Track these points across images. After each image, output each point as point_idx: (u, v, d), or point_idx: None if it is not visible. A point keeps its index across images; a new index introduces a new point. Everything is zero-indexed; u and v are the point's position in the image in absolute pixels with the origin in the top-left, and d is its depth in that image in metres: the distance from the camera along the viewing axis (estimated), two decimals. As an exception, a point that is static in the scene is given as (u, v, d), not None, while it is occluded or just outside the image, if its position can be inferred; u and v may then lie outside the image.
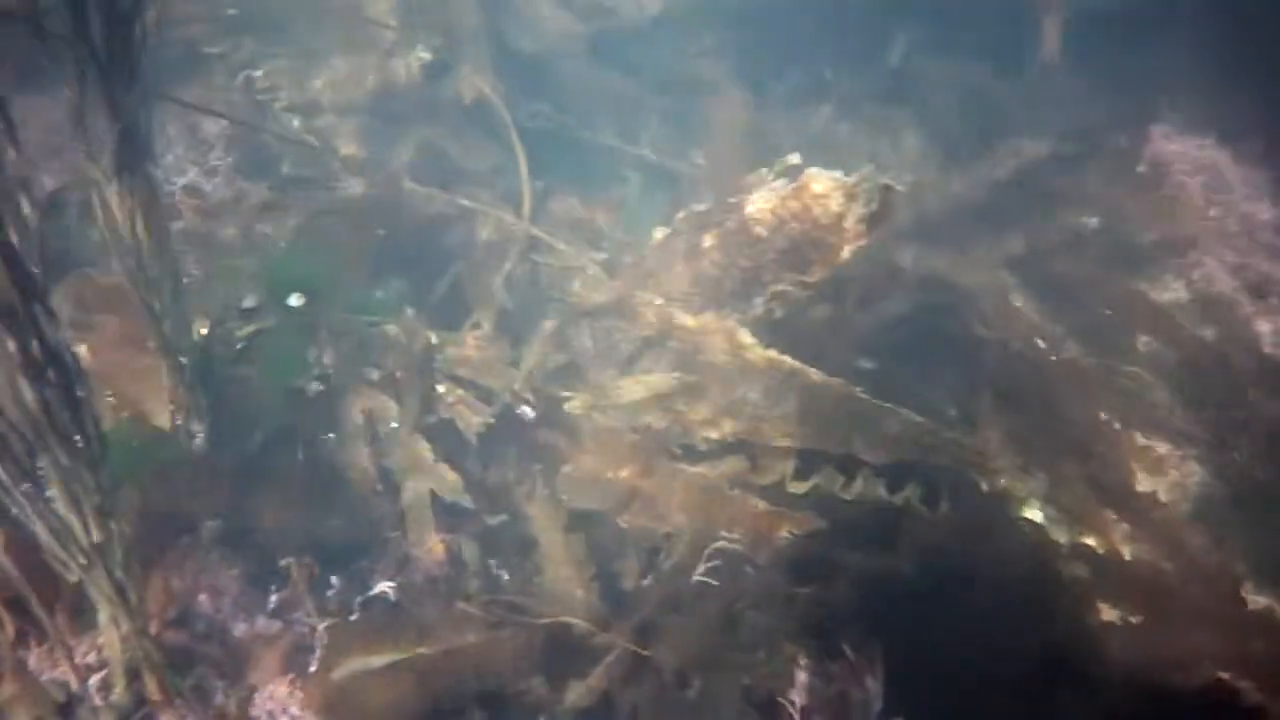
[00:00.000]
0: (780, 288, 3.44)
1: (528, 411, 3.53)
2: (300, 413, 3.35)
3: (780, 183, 3.50)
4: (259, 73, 4.33)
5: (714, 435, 3.36)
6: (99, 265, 3.78)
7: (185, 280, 3.13)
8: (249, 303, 3.40)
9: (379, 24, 4.47)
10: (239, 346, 3.31)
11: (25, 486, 2.48)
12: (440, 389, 3.52)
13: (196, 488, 3.16)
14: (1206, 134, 4.65)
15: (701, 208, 3.66)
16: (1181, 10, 4.59)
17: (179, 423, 3.15)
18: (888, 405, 3.32)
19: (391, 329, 3.57)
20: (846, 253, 3.37)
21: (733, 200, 3.56)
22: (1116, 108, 4.62)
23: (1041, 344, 3.83)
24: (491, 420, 3.45)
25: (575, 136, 4.51)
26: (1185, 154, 4.61)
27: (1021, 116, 4.51)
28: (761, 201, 3.49)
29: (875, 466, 3.32)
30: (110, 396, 3.27)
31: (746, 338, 3.41)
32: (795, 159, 3.54)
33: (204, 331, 3.31)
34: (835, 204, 3.38)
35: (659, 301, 3.55)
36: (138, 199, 2.73)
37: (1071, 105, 4.52)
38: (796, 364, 3.36)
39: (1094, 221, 4.27)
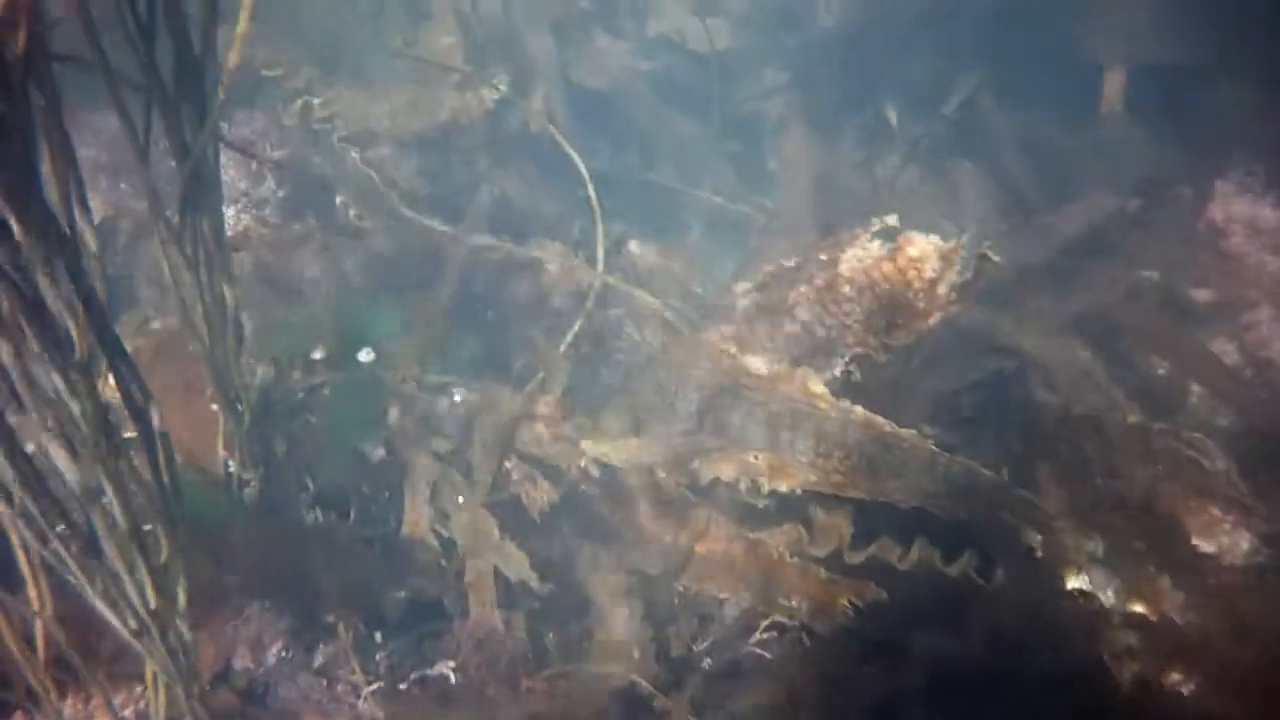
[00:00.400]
0: (861, 350, 3.30)
1: (593, 486, 3.33)
2: (360, 475, 3.19)
3: (876, 243, 3.35)
4: (317, 100, 4.19)
5: (782, 487, 3.23)
6: (144, 299, 3.68)
7: (246, 323, 3.00)
8: (317, 354, 3.26)
9: (444, 67, 4.32)
10: (301, 398, 3.19)
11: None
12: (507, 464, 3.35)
13: (248, 538, 3.03)
14: (1271, 191, 4.41)
15: (791, 264, 3.50)
16: (1249, 61, 4.33)
17: (232, 470, 3.03)
18: (958, 458, 3.18)
19: (469, 398, 3.40)
20: (934, 320, 3.23)
21: (824, 257, 3.42)
22: (1180, 161, 4.37)
23: (1104, 408, 3.65)
24: (557, 499, 3.28)
25: (639, 179, 4.36)
26: (1248, 212, 4.43)
27: (1084, 167, 4.29)
28: (855, 261, 3.34)
29: (931, 532, 3.19)
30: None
31: (818, 386, 3.27)
32: (893, 220, 3.39)
33: (266, 378, 3.19)
34: (930, 269, 3.24)
35: (733, 350, 3.40)
36: (203, 243, 2.60)
37: (1134, 157, 4.30)
38: (867, 413, 3.21)
39: (1153, 277, 4.13)
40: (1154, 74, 4.43)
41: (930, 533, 3.20)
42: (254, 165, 3.96)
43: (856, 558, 3.20)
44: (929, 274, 3.24)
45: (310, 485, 3.08)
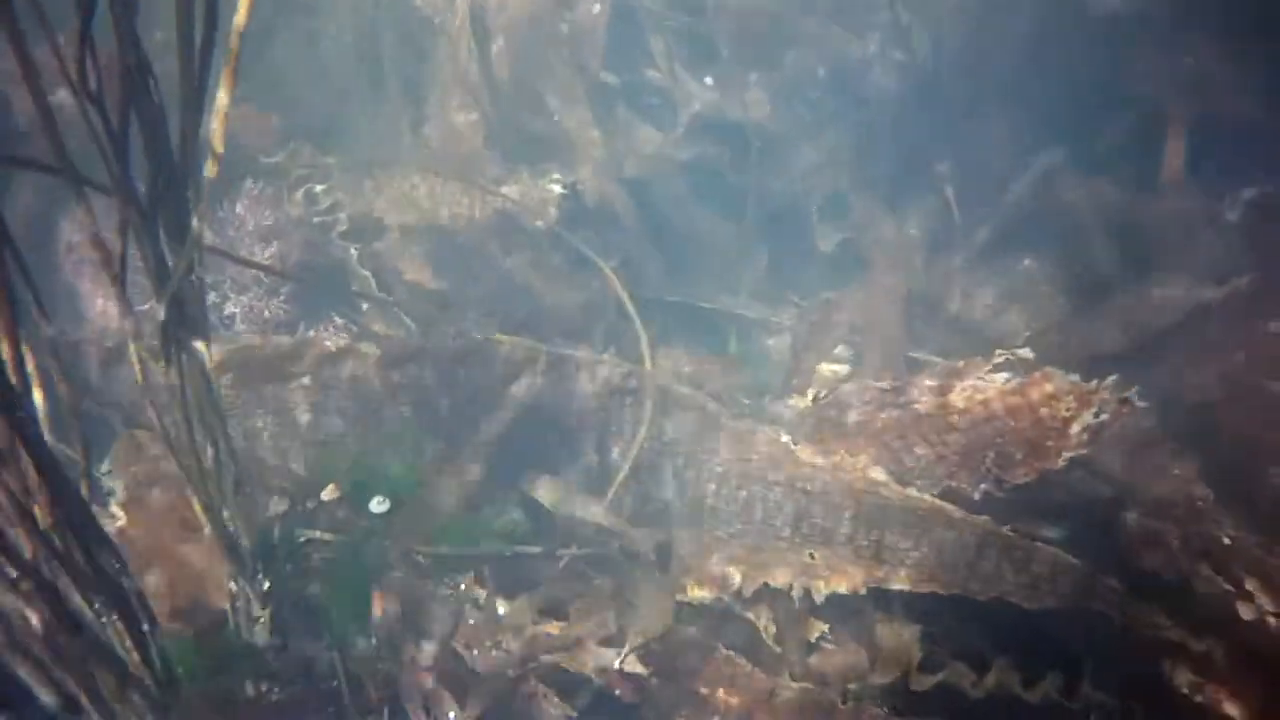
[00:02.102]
0: (953, 484, 2.86)
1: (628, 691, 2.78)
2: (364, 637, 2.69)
3: (1001, 377, 2.93)
4: (319, 188, 3.73)
5: (842, 589, 2.79)
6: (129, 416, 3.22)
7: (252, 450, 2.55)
8: (327, 494, 2.81)
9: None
10: (306, 541, 2.73)
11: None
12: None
13: (256, 682, 2.59)
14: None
15: (884, 385, 3.05)
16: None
17: (239, 605, 2.58)
18: (1037, 543, 2.76)
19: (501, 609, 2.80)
20: (1062, 460, 2.79)
21: (931, 383, 2.99)
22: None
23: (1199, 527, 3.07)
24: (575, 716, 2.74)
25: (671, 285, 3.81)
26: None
27: (1149, 244, 3.66)
28: (972, 391, 2.93)
29: (1011, 653, 2.76)
30: (154, 574, 2.72)
31: (881, 474, 2.85)
32: (1025, 353, 2.97)
33: (277, 512, 2.74)
34: (1065, 408, 2.82)
35: (784, 438, 2.97)
36: (188, 377, 2.18)
37: (1198, 233, 3.66)
38: (936, 501, 2.80)
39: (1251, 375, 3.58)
40: (1221, 131, 3.79)
41: (1011, 634, 2.79)
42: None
43: (925, 683, 2.78)
44: (1064, 413, 2.83)
45: (324, 634, 2.63)
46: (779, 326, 3.73)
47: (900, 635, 2.83)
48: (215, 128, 1.97)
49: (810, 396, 3.19)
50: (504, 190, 3.69)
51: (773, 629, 2.88)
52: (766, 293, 3.91)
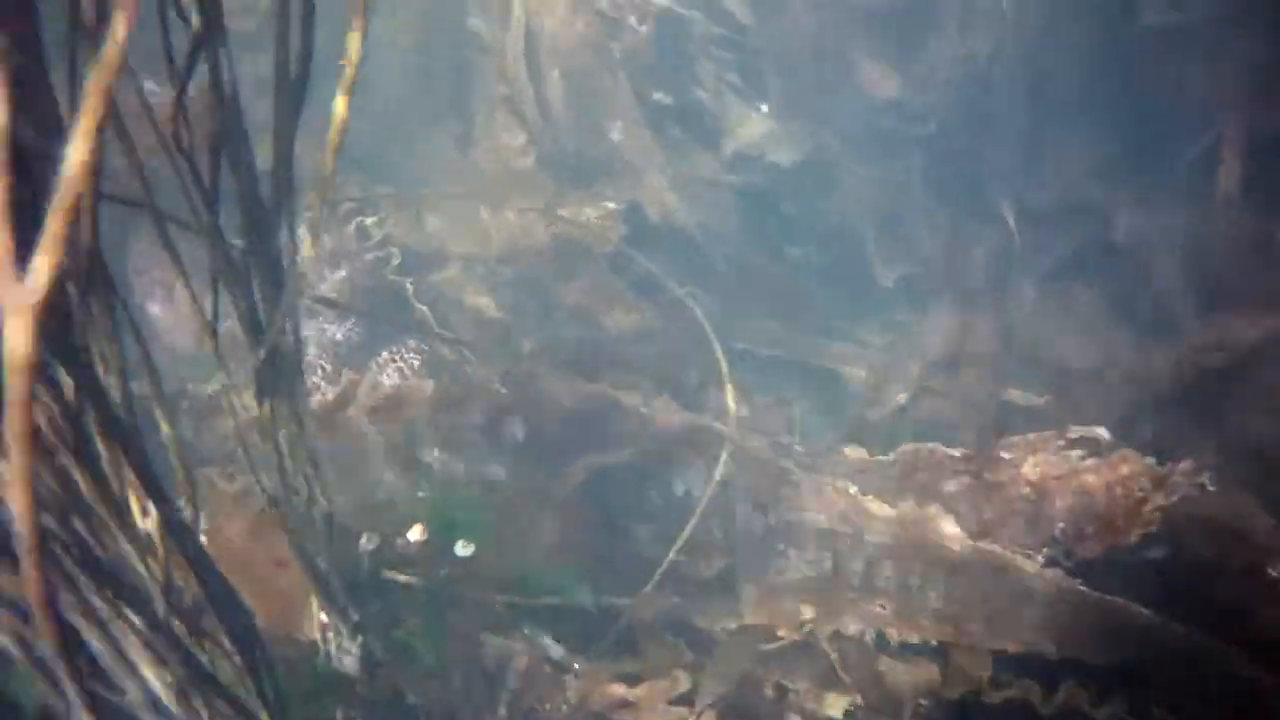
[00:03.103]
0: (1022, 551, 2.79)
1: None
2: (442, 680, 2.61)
3: (1075, 453, 2.86)
4: (370, 220, 3.65)
5: (913, 639, 2.73)
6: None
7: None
8: (414, 535, 2.77)
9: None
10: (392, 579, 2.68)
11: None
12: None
13: (347, 710, 2.54)
14: None
15: (955, 452, 2.97)
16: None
17: (329, 636, 2.54)
18: (1110, 598, 2.67)
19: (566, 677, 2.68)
20: (1134, 537, 2.74)
21: (1006, 455, 2.92)
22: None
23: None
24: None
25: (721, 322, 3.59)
26: None
27: (1206, 271, 3.44)
28: (1048, 466, 2.86)
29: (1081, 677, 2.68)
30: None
31: (950, 527, 2.77)
32: (1102, 432, 2.90)
33: (367, 548, 2.69)
34: (1139, 488, 2.77)
35: (853, 490, 2.89)
36: (284, 423, 2.12)
37: (1259, 257, 3.44)
38: (1008, 555, 2.72)
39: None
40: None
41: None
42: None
43: (996, 698, 2.71)
44: (1138, 494, 2.78)
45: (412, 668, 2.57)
46: (842, 366, 3.60)
47: (971, 653, 2.77)
48: (328, 157, 1.88)
49: (863, 452, 3.12)
50: (556, 214, 3.62)
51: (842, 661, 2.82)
52: (825, 328, 3.76)
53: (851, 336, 3.72)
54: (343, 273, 3.48)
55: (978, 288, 3.69)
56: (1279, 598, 2.75)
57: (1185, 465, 2.80)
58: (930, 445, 3.06)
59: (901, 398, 3.43)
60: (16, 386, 1.17)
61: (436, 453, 3.08)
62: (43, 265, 1.16)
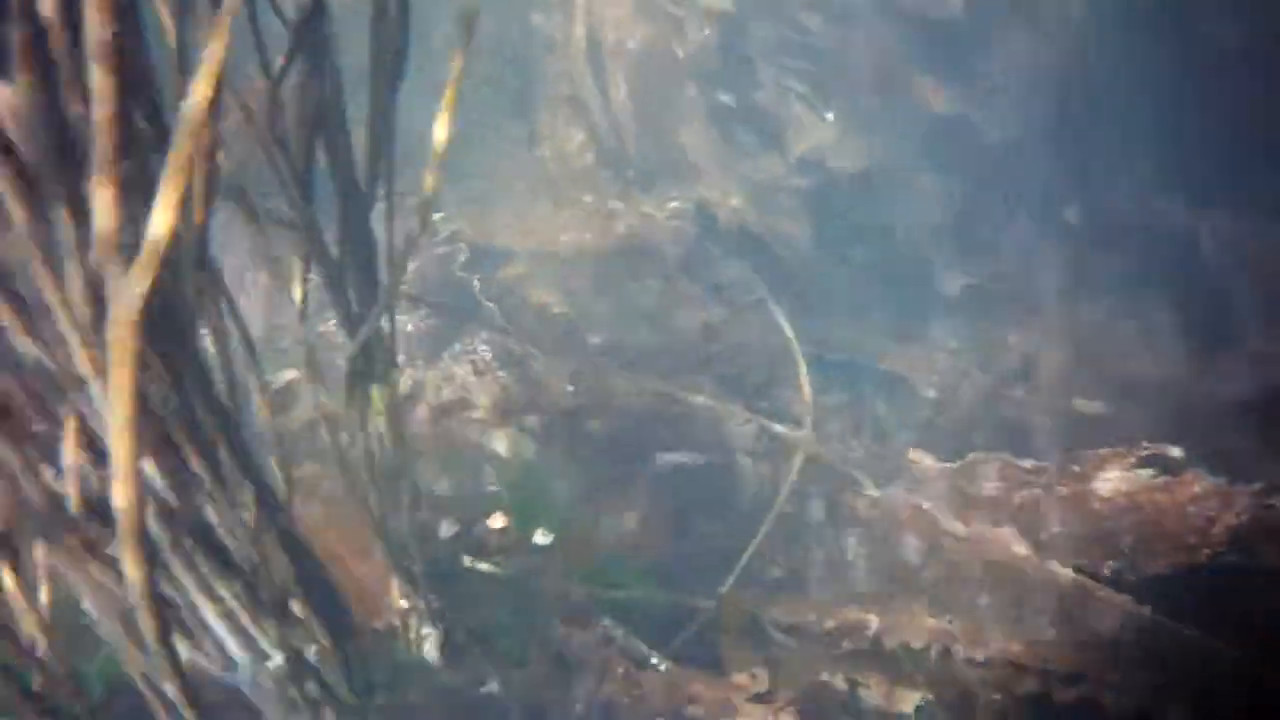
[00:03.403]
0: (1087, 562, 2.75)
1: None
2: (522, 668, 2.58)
3: (1147, 472, 2.82)
4: (437, 216, 3.65)
5: (979, 656, 2.69)
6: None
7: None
8: (495, 523, 2.78)
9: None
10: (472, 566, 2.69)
11: None
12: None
13: (428, 695, 2.54)
14: None
15: (1025, 465, 2.92)
16: None
17: (410, 623, 2.54)
18: (1186, 630, 2.61)
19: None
20: (1203, 556, 2.69)
21: (1077, 469, 2.87)
22: None
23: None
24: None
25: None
26: None
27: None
28: (1118, 482, 2.82)
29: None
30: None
31: (1023, 548, 2.74)
32: (1176, 452, 2.85)
33: (448, 534, 2.70)
34: (1209, 508, 2.73)
35: (925, 504, 2.86)
36: (374, 413, 2.13)
37: None
38: (1080, 577, 2.67)
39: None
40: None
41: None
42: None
43: (1068, 695, 2.66)
44: (1209, 513, 2.74)
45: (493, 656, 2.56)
46: (911, 372, 3.52)
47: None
48: (429, 179, 1.88)
49: (932, 460, 3.07)
50: (622, 213, 3.61)
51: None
52: (892, 334, 3.69)
53: (919, 342, 3.66)
54: (413, 265, 3.49)
55: (1046, 298, 3.63)
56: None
57: (1256, 486, 2.75)
58: (1000, 455, 3.03)
59: (970, 405, 3.38)
60: (123, 362, 1.18)
61: (506, 446, 3.08)
62: (157, 225, 1.17)
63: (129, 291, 1.15)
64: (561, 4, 4.12)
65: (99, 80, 1.18)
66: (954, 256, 3.75)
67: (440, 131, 1.82)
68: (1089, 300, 3.59)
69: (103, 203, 1.20)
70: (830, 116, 3.79)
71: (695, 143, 3.81)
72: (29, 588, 1.62)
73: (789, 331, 3.41)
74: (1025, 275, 3.68)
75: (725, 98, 3.82)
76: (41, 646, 1.66)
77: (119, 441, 1.22)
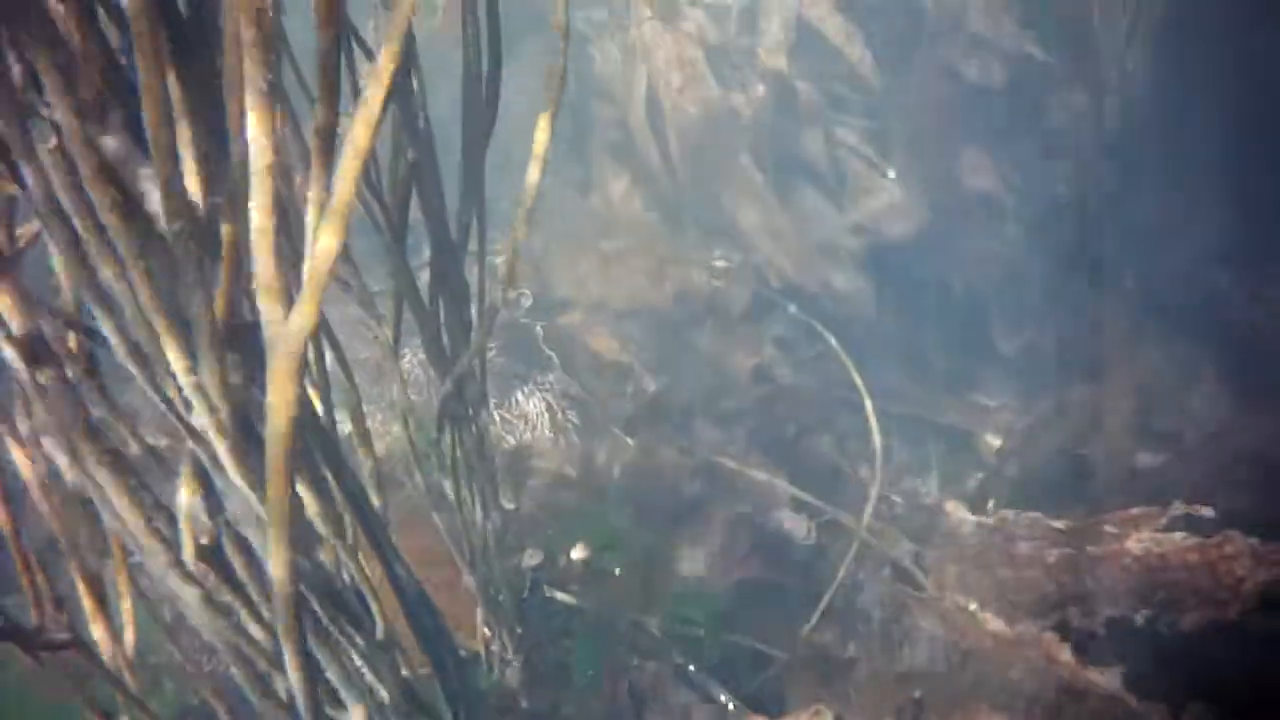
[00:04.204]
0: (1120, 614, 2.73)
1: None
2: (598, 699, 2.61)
3: (1179, 534, 2.78)
4: (499, 260, 3.69)
5: None
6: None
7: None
8: (577, 553, 2.81)
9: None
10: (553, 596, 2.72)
11: None
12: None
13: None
14: None
15: (1059, 524, 2.92)
16: None
17: (493, 649, 2.57)
18: None
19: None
20: (1233, 613, 2.66)
21: (1110, 530, 2.85)
22: None
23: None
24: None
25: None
26: None
27: None
28: (1150, 543, 2.79)
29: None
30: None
31: (1066, 654, 2.68)
32: (1208, 512, 2.82)
33: (533, 563, 2.73)
34: (1241, 568, 2.69)
35: (972, 607, 2.84)
36: (465, 452, 2.16)
37: None
38: (1119, 690, 2.60)
39: None
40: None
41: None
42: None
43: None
44: (1240, 572, 2.70)
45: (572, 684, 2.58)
46: (972, 427, 3.56)
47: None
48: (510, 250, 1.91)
49: (966, 511, 3.08)
50: (676, 264, 3.64)
51: None
52: (949, 389, 3.72)
53: (974, 399, 3.71)
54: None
55: (1100, 358, 3.61)
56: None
57: None
58: (1032, 514, 3.02)
59: (1034, 460, 3.38)
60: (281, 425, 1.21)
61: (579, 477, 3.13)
62: (308, 305, 1.20)
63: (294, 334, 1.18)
64: (619, 54, 4.17)
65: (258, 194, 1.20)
66: (1009, 317, 3.77)
67: (531, 181, 1.85)
68: (1142, 363, 3.56)
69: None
70: (892, 174, 3.82)
71: (750, 198, 3.84)
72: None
73: (859, 382, 3.40)
74: (1081, 335, 3.67)
75: (780, 156, 3.87)
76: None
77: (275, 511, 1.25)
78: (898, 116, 3.88)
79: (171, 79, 1.23)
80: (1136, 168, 3.67)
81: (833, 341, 3.52)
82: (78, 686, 1.65)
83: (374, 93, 1.17)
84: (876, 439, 3.30)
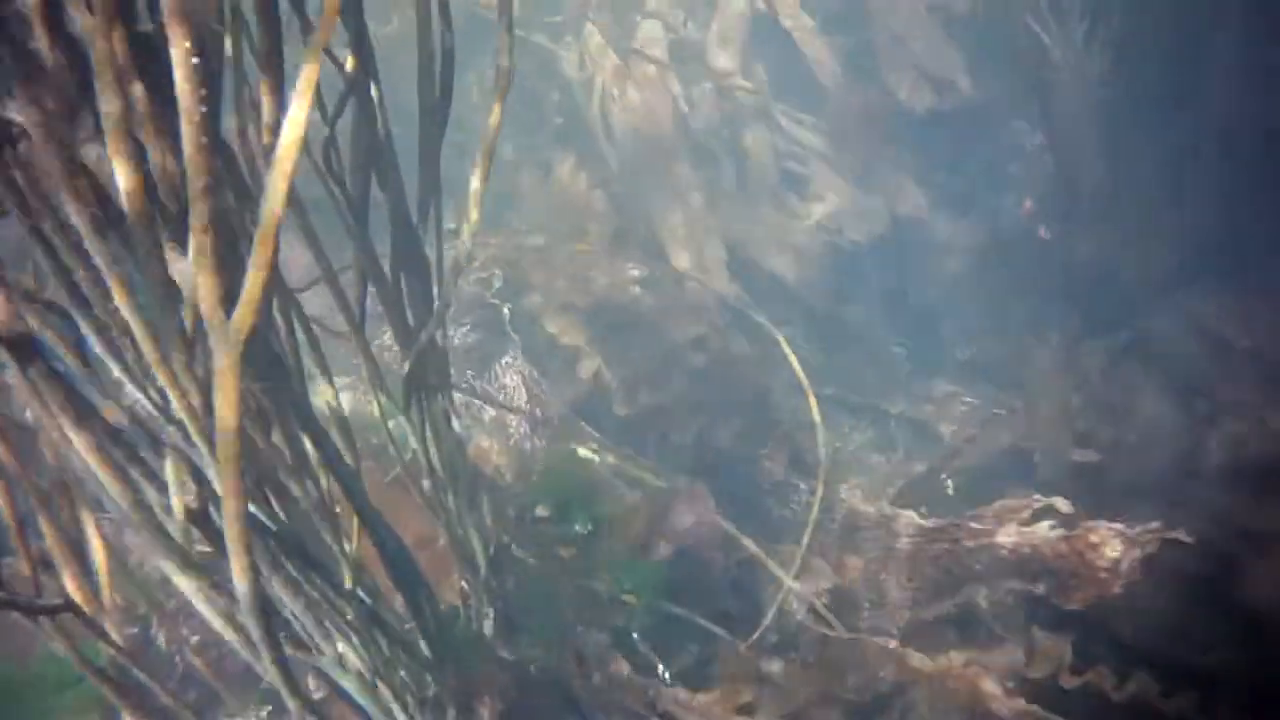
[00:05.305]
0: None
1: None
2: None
3: (1044, 525, 2.87)
4: (476, 262, 3.76)
5: None
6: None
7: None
8: (541, 511, 2.89)
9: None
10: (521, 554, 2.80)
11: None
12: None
13: (488, 674, 2.65)
14: None
15: (930, 524, 3.02)
16: None
17: (470, 603, 2.65)
18: None
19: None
20: (1117, 588, 2.75)
21: (976, 526, 2.94)
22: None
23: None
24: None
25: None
26: None
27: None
28: (1016, 535, 2.89)
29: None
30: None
31: (990, 685, 2.72)
32: (1064, 505, 2.91)
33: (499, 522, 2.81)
34: (1112, 551, 2.78)
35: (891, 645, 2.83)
36: (430, 421, 2.23)
37: None
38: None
39: None
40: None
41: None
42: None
43: (1073, 682, 2.73)
44: (1111, 554, 2.79)
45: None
46: (931, 421, 3.62)
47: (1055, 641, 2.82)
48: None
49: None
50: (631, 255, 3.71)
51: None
52: (905, 386, 3.77)
53: (930, 396, 3.80)
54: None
55: (1049, 365, 3.71)
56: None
57: (1155, 524, 2.81)
58: (908, 512, 3.14)
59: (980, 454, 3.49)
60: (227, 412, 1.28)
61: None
62: (250, 294, 1.27)
63: (232, 337, 1.25)
64: (582, 57, 4.24)
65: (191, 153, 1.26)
66: (963, 324, 3.89)
67: (476, 182, 1.91)
68: (1082, 373, 3.64)
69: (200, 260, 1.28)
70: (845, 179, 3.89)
71: (693, 197, 3.91)
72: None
73: (798, 368, 3.48)
74: (1031, 345, 3.77)
75: (729, 154, 3.95)
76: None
77: (225, 454, 1.33)
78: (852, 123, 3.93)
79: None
80: (1088, 196, 3.75)
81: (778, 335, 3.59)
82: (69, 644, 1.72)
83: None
84: (822, 451, 3.34)
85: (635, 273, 3.69)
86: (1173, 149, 3.54)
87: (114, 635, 1.76)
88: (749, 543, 3.02)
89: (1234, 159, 3.47)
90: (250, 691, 2.75)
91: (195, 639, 2.78)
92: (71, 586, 1.75)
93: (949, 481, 3.44)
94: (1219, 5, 3.43)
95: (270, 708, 2.75)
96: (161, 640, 2.88)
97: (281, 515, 1.72)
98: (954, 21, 3.92)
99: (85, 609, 1.76)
